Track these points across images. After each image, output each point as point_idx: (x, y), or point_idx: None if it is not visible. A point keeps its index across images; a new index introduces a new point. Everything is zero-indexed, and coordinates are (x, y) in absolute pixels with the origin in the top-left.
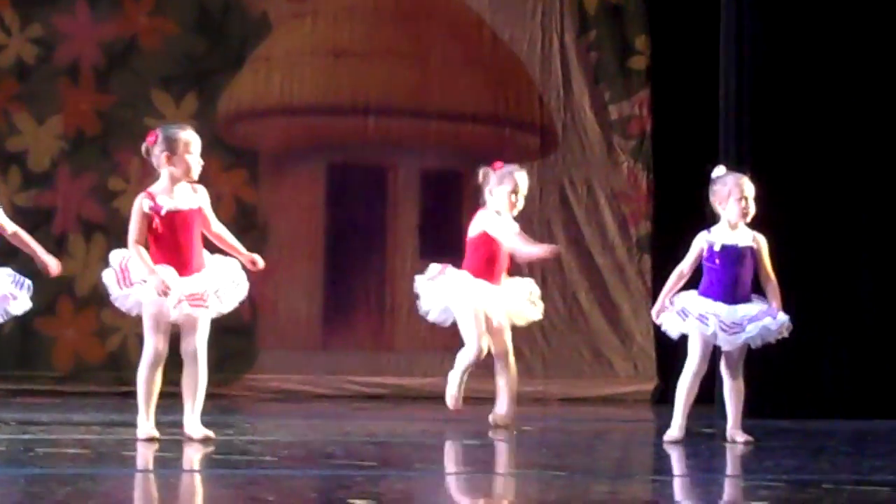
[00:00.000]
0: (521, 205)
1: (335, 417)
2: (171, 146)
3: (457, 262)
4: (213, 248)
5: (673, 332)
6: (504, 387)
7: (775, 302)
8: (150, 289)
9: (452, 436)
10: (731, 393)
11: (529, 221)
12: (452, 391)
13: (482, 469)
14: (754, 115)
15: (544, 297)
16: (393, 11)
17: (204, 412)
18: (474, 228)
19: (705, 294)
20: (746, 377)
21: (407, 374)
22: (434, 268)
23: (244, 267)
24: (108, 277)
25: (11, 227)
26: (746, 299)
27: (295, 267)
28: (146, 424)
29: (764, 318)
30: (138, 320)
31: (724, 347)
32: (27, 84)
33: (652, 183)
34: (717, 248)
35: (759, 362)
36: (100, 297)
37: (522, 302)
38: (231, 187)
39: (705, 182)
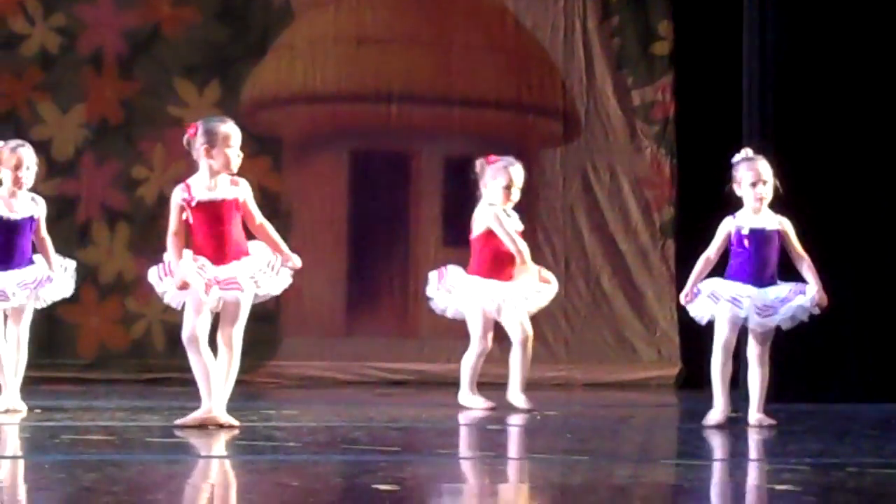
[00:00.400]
0: (516, 198)
1: (359, 403)
2: (211, 139)
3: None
4: None
5: (702, 318)
6: (518, 371)
7: (813, 276)
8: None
9: (475, 421)
10: (756, 377)
11: (553, 208)
12: (471, 398)
13: (505, 453)
14: (777, 98)
15: (568, 283)
16: None
17: (229, 399)
18: (477, 226)
19: (734, 278)
20: (771, 360)
21: (430, 361)
22: (433, 276)
23: None
24: (152, 274)
25: (43, 232)
26: (774, 282)
27: (318, 254)
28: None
29: (796, 298)
30: (162, 308)
31: (756, 329)
32: (51, 73)
33: (675, 168)
34: (745, 231)
35: (783, 346)
36: (124, 284)
37: (535, 289)
38: (255, 175)
39: (729, 167)
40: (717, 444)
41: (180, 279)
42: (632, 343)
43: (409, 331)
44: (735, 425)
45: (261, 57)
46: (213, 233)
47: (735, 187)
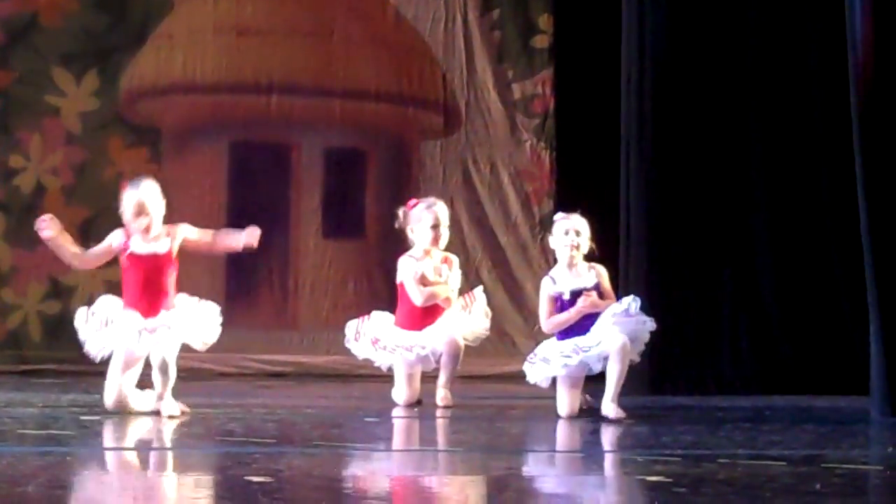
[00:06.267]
0: (446, 236)
1: (237, 395)
2: None
3: (358, 241)
4: None
5: (543, 382)
6: (448, 375)
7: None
8: None
9: (353, 413)
10: (614, 370)
11: None
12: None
13: (381, 446)
14: (655, 93)
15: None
16: None
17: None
18: (399, 274)
19: (563, 337)
20: (647, 354)
21: (309, 353)
22: (352, 325)
23: None
24: None
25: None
26: (590, 324)
27: None
28: None
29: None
30: (39, 299)
31: (599, 368)
32: None
33: (554, 162)
34: (566, 296)
35: (660, 340)
36: (0, 275)
37: (468, 332)
38: (132, 165)
39: (608, 161)
40: (592, 436)
41: None
42: (511, 336)
43: (289, 323)
44: (609, 418)
45: (140, 46)
46: None
47: (551, 240)
